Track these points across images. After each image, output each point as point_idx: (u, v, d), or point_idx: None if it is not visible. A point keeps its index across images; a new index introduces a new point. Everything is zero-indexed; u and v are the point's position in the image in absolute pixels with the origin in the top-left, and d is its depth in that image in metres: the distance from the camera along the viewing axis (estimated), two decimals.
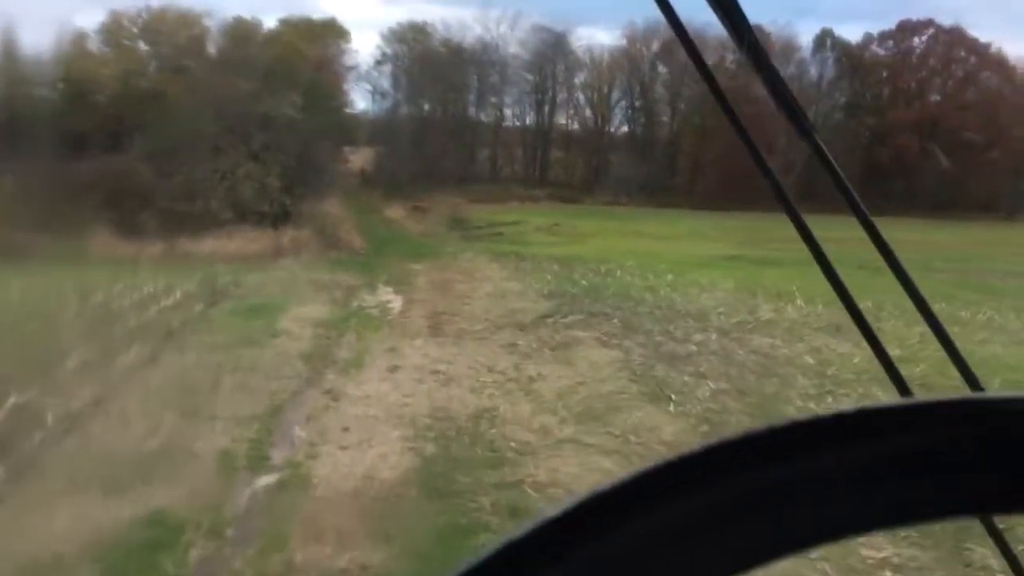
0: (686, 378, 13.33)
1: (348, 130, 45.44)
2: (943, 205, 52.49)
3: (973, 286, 25.35)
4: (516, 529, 0.39)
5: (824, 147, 1.39)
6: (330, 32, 51.84)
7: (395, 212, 45.62)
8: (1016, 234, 45.48)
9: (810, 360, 14.46)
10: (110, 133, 34.05)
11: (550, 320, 17.92)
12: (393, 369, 13.63)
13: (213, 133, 28.89)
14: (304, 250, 26.89)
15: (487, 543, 0.39)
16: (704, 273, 25.46)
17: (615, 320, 17.62)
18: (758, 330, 16.93)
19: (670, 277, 24.27)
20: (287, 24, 51.79)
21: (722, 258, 31.46)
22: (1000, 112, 52.45)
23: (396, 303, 19.80)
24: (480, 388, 12.72)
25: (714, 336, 16.38)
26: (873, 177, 53.51)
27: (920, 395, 0.58)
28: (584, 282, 22.64)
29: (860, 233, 1.47)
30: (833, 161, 1.40)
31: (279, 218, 29.71)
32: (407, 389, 12.47)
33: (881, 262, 1.52)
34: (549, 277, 23.46)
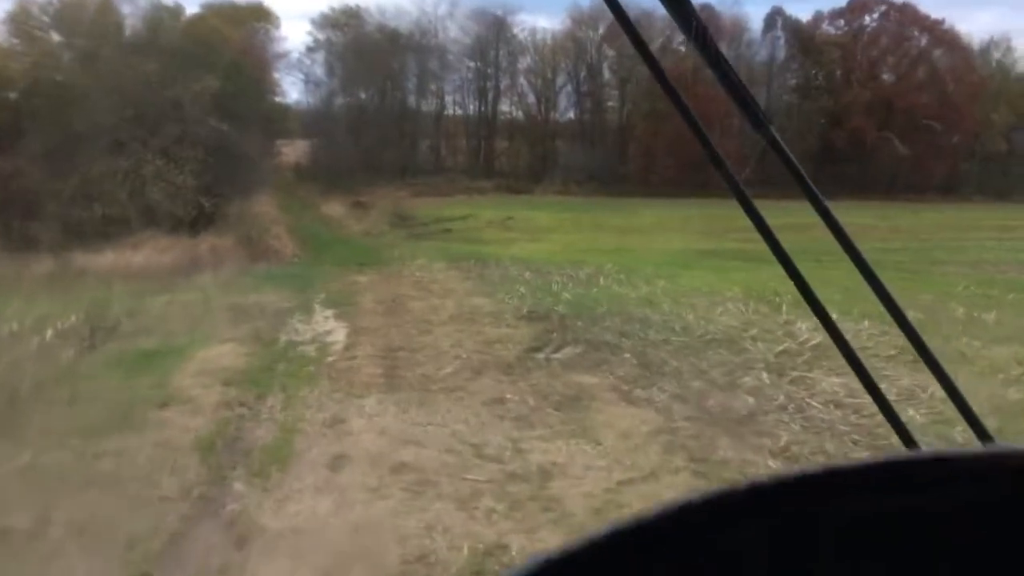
0: (771, 463, 8.68)
1: (277, 120, 39.83)
2: (898, 188, 49.07)
3: (1001, 282, 21.22)
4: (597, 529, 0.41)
5: (779, 139, 1.25)
6: (256, 16, 46.13)
7: (333, 209, 40.32)
8: (983, 216, 42.01)
9: (919, 417, 9.88)
10: (22, 131, 28.38)
11: (541, 356, 13.13)
12: (337, 463, 8.70)
13: (112, 125, 23.40)
14: (225, 261, 21.66)
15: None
16: (696, 276, 20.96)
17: (627, 354, 12.89)
18: (816, 364, 12.35)
19: (662, 283, 19.68)
20: (209, 8, 46.11)
21: (701, 254, 27.05)
22: (953, 92, 49.05)
23: (338, 335, 14.80)
24: (472, 498, 7.88)
25: (766, 376, 11.76)
26: (828, 161, 49.79)
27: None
28: (567, 295, 17.89)
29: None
30: (789, 153, 1.26)
31: (197, 223, 24.40)
32: (359, 510, 7.57)
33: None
34: (522, 289, 18.65)
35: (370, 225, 35.76)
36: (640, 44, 1.20)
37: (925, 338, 1.35)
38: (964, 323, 15.51)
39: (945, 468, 0.37)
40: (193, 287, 18.69)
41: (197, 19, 41.56)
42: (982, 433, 1.19)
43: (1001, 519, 0.37)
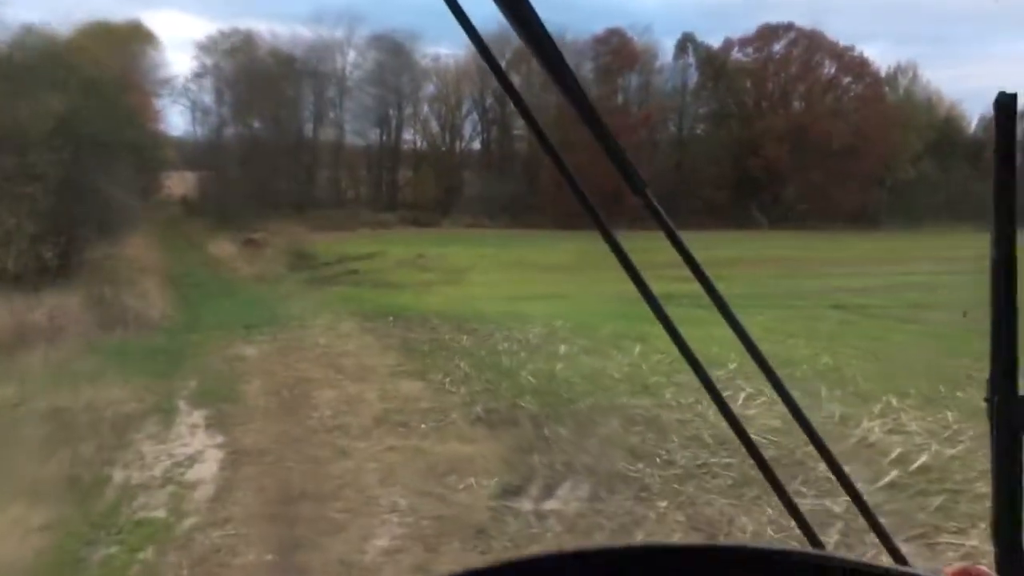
0: None
1: (151, 150, 33.45)
2: (809, 216, 46.08)
3: None
4: None
5: (657, 204, 1.15)
6: (132, 37, 39.70)
7: (222, 248, 34.21)
8: (908, 245, 38.97)
9: None
10: None
11: (527, 505, 8.03)
12: None
13: None
14: (67, 331, 15.75)
15: None
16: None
17: (662, 502, 7.92)
18: (945, 508, 7.63)
19: (638, 348, 14.85)
20: (79, 30, 39.43)
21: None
22: (862, 119, 46.44)
23: (207, 464, 9.32)
24: None
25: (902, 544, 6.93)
26: (744, 189, 46.50)
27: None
28: (527, 375, 12.80)
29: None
30: (666, 219, 1.17)
31: (41, 278, 18.32)
32: None
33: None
34: (465, 365, 13.49)
35: (264, 267, 29.90)
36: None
37: None
38: None
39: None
40: (8, 377, 12.81)
41: (52, 38, 34.83)
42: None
43: None
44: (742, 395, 11.26)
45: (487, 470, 8.90)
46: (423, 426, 10.47)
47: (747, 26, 49.09)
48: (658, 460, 8.92)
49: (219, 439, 10.12)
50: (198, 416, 11.05)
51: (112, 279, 19.08)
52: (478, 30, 1.05)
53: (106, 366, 13.45)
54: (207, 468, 9.16)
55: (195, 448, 9.82)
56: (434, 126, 51.32)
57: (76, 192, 19.67)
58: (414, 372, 13.27)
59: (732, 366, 12.88)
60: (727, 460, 8.88)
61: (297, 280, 27.00)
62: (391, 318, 18.27)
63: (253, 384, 12.76)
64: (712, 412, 10.55)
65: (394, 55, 49.60)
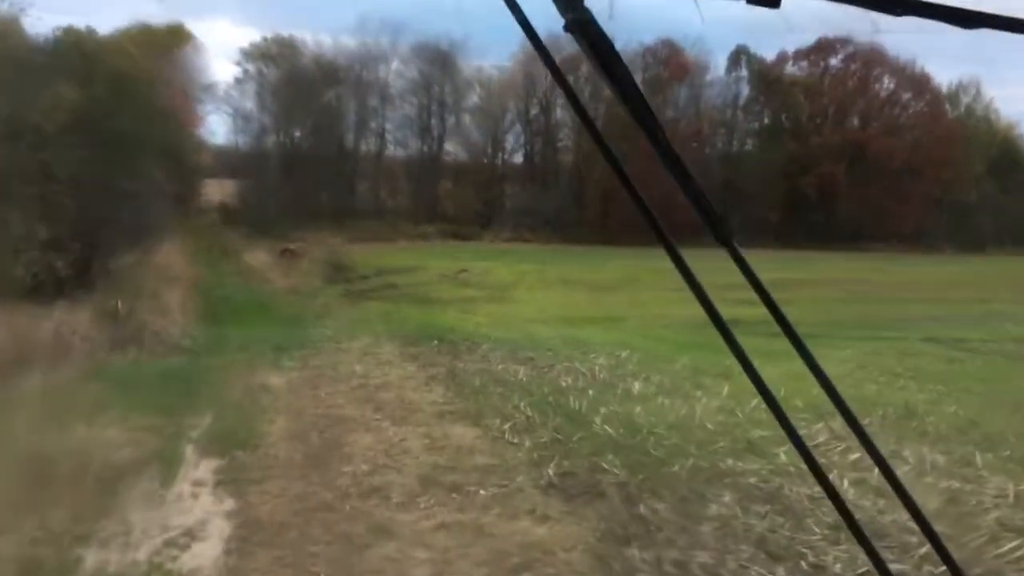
0: None
1: (187, 154, 31.55)
2: (864, 236, 43.20)
3: None
4: None
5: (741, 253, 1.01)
6: (173, 39, 38.00)
7: (258, 258, 32.15)
8: (974, 269, 36.09)
9: None
10: None
11: None
12: None
13: None
14: (75, 350, 13.66)
15: None
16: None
17: None
18: None
19: (726, 388, 12.45)
20: (121, 33, 37.84)
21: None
22: (923, 137, 43.51)
23: (207, 550, 7.06)
24: None
25: None
26: (796, 208, 43.77)
27: None
28: (601, 421, 10.42)
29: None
30: (750, 266, 1.02)
31: (55, 288, 16.31)
32: None
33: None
34: (525, 406, 11.14)
35: (300, 279, 27.84)
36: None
37: None
38: None
39: None
40: None
41: (88, 36, 33.08)
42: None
43: None
44: (850, 458, 8.80)
45: (572, 567, 6.57)
46: (482, 492, 8.15)
47: (803, 40, 46.22)
48: (804, 564, 6.52)
49: (228, 504, 7.89)
50: (206, 469, 8.83)
51: (132, 292, 17.01)
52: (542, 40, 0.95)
53: (109, 396, 11.31)
54: (208, 551, 6.92)
55: (197, 517, 7.60)
56: (476, 137, 49.15)
57: (98, 194, 17.70)
58: (465, 413, 10.96)
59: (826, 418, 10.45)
60: (897, 566, 6.46)
61: (333, 294, 24.90)
62: (435, 342, 16.00)
63: (277, 424, 10.54)
64: (849, 484, 8.13)
65: (437, 65, 47.66)
